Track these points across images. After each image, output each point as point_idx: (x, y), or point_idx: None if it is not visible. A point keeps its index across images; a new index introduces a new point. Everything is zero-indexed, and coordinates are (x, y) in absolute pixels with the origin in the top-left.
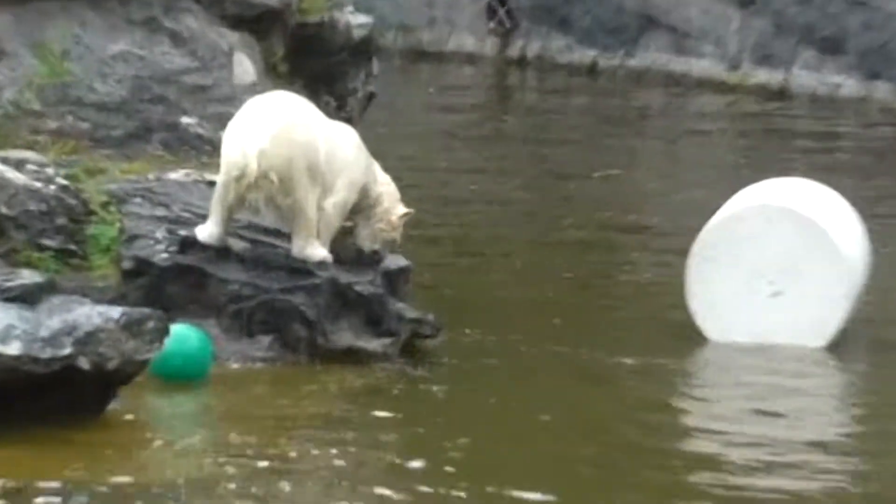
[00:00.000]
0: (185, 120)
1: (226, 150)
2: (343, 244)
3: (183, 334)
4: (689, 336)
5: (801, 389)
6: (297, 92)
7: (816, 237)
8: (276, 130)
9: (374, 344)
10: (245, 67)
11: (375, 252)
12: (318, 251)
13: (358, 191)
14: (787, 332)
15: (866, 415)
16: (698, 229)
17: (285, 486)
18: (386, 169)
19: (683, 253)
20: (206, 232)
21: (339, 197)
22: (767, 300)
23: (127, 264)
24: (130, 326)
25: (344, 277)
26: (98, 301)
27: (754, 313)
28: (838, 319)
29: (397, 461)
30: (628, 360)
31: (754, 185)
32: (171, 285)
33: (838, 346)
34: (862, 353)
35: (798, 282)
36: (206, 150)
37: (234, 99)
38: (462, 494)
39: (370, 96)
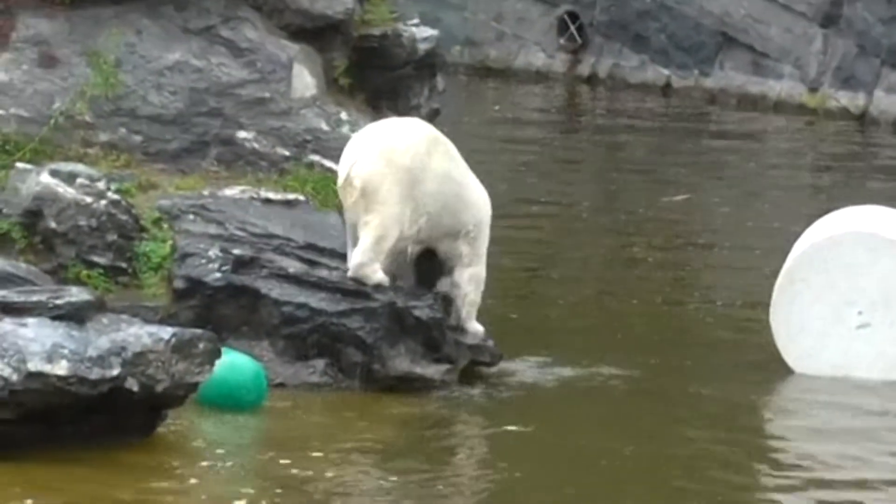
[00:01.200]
0: (241, 134)
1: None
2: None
3: (238, 365)
4: (766, 364)
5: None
6: (359, 107)
7: None
8: (383, 147)
9: (431, 371)
10: (305, 80)
11: None
12: (377, 274)
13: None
14: (870, 364)
15: None
16: (771, 255)
17: None
18: None
19: (754, 278)
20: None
21: (476, 270)
22: (854, 331)
23: (178, 283)
24: (181, 348)
25: (402, 301)
26: (148, 321)
27: (838, 342)
28: None
29: (452, 492)
30: (704, 388)
31: (847, 211)
32: (223, 306)
33: None
34: None
35: (889, 315)
36: (263, 165)
37: (292, 113)
38: None
39: (434, 113)
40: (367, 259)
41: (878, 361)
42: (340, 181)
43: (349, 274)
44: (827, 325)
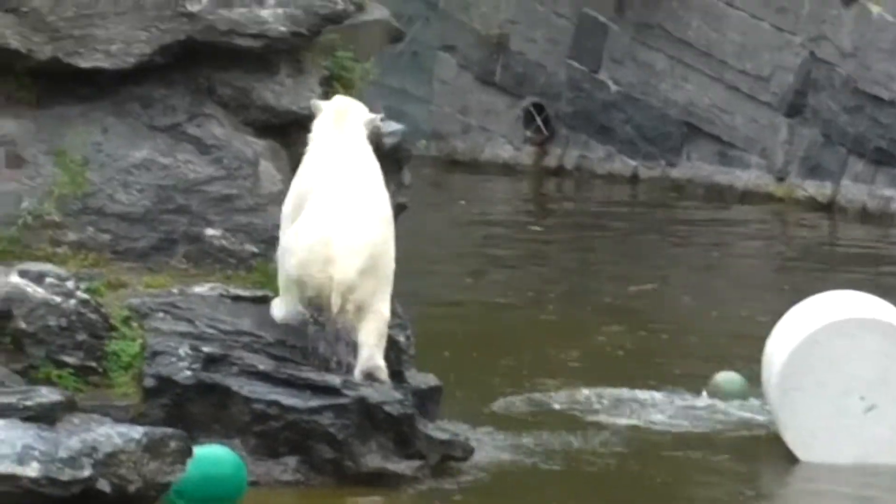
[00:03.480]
0: (209, 231)
1: (304, 254)
2: None
3: (216, 457)
4: (751, 459)
5: None
6: None
7: None
8: (362, 263)
9: (402, 466)
10: (272, 176)
11: None
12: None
13: None
14: (890, 445)
15: None
16: (737, 343)
17: None
18: (416, 280)
19: (722, 367)
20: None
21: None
22: (862, 417)
23: (148, 382)
24: (152, 447)
25: (373, 397)
26: (118, 420)
27: (851, 433)
28: None
29: None
30: (690, 479)
31: (814, 302)
32: (193, 404)
33: None
34: None
35: (891, 391)
36: (231, 262)
37: (260, 209)
38: None
39: (401, 207)
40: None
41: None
42: (332, 305)
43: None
44: (834, 422)
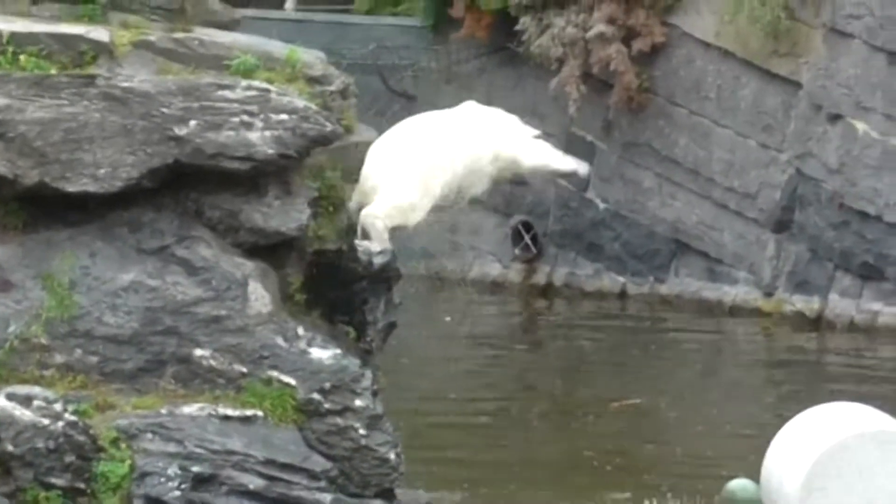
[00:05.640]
0: (198, 352)
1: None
2: None
3: None
4: None
5: None
6: (315, 322)
7: None
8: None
9: None
10: (261, 297)
11: None
12: None
13: None
14: None
15: None
16: (722, 459)
17: None
18: (404, 399)
19: (708, 483)
20: None
21: None
22: None
23: (137, 503)
24: None
25: None
26: None
27: None
28: None
29: None
30: None
31: (819, 412)
32: None
33: None
34: None
35: None
36: (220, 382)
37: (248, 330)
38: None
39: (391, 326)
40: None
41: None
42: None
43: None
44: None
